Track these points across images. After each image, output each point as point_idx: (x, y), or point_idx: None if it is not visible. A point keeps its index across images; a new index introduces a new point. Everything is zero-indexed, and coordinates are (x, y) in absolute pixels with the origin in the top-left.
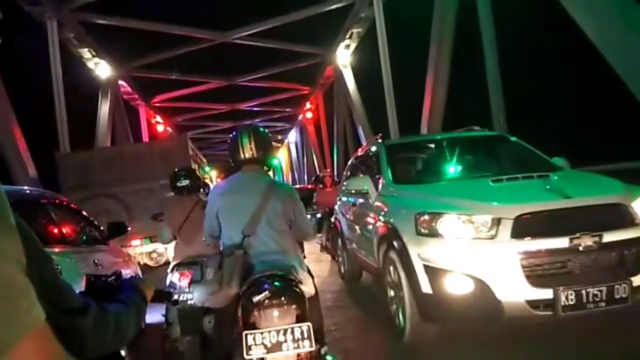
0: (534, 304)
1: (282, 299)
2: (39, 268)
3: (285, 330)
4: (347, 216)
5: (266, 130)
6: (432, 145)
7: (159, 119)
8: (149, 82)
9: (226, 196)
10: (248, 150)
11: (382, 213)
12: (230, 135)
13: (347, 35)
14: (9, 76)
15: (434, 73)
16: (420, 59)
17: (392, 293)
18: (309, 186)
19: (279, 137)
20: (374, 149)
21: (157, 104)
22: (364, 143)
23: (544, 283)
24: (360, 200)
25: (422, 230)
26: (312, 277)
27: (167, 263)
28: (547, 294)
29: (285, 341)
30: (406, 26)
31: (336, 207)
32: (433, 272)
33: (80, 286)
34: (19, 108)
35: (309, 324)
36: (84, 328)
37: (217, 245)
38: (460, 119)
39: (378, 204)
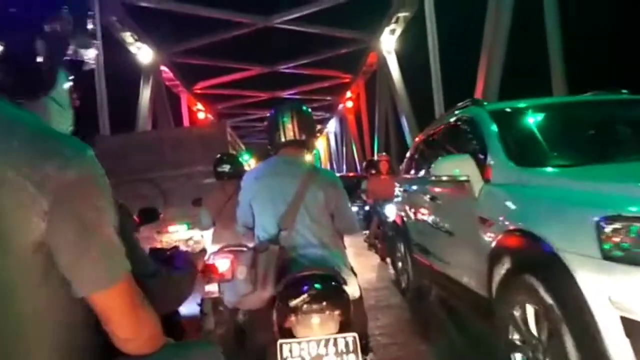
0: None
1: (324, 303)
2: (126, 238)
3: (327, 341)
4: (419, 213)
5: (309, 110)
6: (562, 112)
7: (200, 106)
8: (190, 69)
9: (260, 182)
10: (289, 132)
11: (502, 212)
12: (269, 114)
13: (393, 20)
14: None
15: (488, 59)
16: (472, 44)
17: (522, 351)
18: (351, 174)
19: (318, 126)
20: (466, 117)
21: (198, 91)
22: (407, 135)
23: None
24: (448, 191)
25: (616, 253)
26: (356, 275)
27: (204, 250)
28: None
29: (327, 354)
30: (457, 8)
31: (397, 199)
32: None
33: None
34: None
35: (355, 334)
36: (154, 288)
37: (252, 236)
38: None
39: (489, 197)
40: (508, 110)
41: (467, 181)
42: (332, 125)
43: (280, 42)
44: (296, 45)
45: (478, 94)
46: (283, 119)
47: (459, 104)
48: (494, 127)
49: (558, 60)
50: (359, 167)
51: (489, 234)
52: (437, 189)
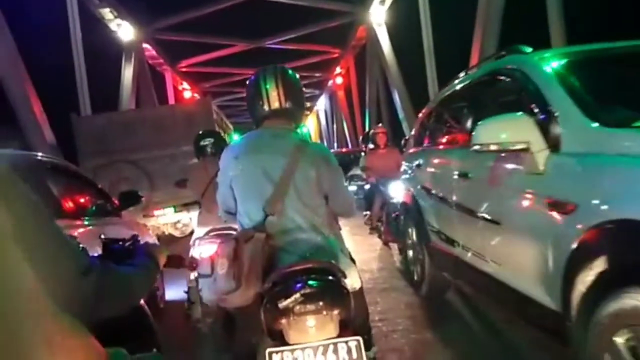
0: None
1: (321, 303)
2: (36, 235)
3: (326, 347)
4: (440, 193)
5: (296, 74)
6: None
7: (185, 85)
8: (174, 46)
9: (241, 161)
10: (274, 100)
11: (592, 194)
12: (249, 81)
13: None
14: (27, 39)
15: (483, 27)
16: (466, 12)
17: None
18: (343, 150)
19: (308, 104)
20: (507, 68)
21: (183, 69)
22: (399, 109)
23: None
24: (493, 165)
25: None
26: (355, 263)
27: (191, 234)
28: None
29: None
30: None
31: (405, 176)
32: None
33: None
34: (38, 72)
35: (359, 338)
36: (86, 288)
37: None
38: None
39: (565, 171)
40: (567, 56)
41: (526, 149)
42: (322, 103)
43: (266, 15)
44: (283, 19)
45: (473, 63)
46: (266, 86)
47: (487, 57)
48: (558, 77)
49: (557, 24)
50: (350, 144)
51: (568, 224)
52: (471, 162)
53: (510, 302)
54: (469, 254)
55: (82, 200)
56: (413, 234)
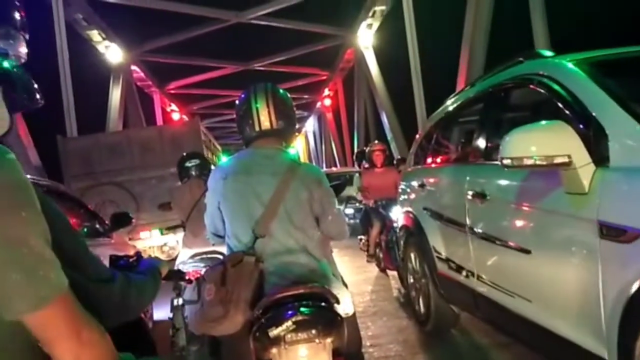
0: None
1: (313, 331)
2: (70, 244)
3: None
4: (452, 216)
5: (287, 93)
6: None
7: (174, 106)
8: (162, 68)
9: (230, 181)
10: (264, 119)
11: None
12: (238, 100)
13: (370, 14)
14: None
15: (469, 50)
16: (452, 35)
17: None
18: (334, 169)
19: (296, 126)
20: (530, 75)
21: (171, 91)
22: (388, 131)
23: None
24: (520, 183)
25: None
26: (347, 287)
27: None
28: None
29: None
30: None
31: (405, 197)
32: None
33: None
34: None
35: None
36: (112, 294)
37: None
38: None
39: (622, 190)
40: (597, 59)
41: (567, 164)
42: (311, 124)
43: (254, 38)
44: (271, 42)
45: (461, 84)
46: (256, 105)
47: (501, 65)
48: (598, 82)
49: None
50: (338, 165)
51: (628, 256)
52: (488, 180)
53: (543, 344)
54: (488, 287)
55: (72, 221)
56: (415, 261)
